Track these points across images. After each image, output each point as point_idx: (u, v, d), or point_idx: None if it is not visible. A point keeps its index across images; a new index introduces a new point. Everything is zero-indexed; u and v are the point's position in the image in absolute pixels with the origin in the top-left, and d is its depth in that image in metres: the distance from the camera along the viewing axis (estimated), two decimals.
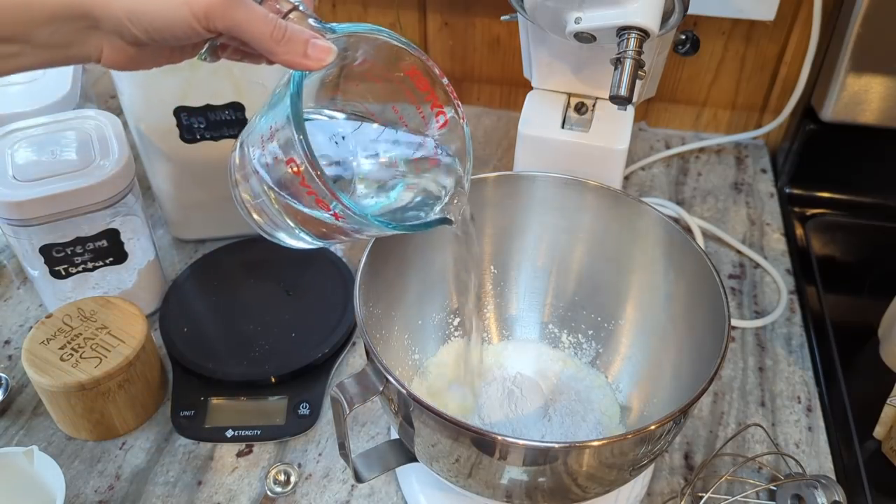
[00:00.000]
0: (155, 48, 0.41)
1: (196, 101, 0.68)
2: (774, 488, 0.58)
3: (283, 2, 0.42)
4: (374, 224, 0.43)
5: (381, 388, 0.46)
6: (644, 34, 0.53)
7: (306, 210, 0.43)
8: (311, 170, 0.40)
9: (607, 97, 0.55)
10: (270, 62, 0.42)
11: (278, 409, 0.63)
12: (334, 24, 0.42)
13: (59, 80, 0.73)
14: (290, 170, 0.41)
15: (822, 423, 0.65)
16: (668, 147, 0.93)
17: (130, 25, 0.38)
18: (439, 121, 0.48)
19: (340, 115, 0.50)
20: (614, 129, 0.66)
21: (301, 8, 0.42)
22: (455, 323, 0.64)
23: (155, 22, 0.38)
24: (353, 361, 0.68)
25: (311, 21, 0.42)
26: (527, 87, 0.69)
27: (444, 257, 0.61)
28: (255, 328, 0.67)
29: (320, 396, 0.64)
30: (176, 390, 0.64)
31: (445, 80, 0.47)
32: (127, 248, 0.66)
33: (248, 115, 0.70)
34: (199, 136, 0.70)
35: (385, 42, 0.44)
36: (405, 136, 0.50)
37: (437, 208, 0.49)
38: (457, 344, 0.63)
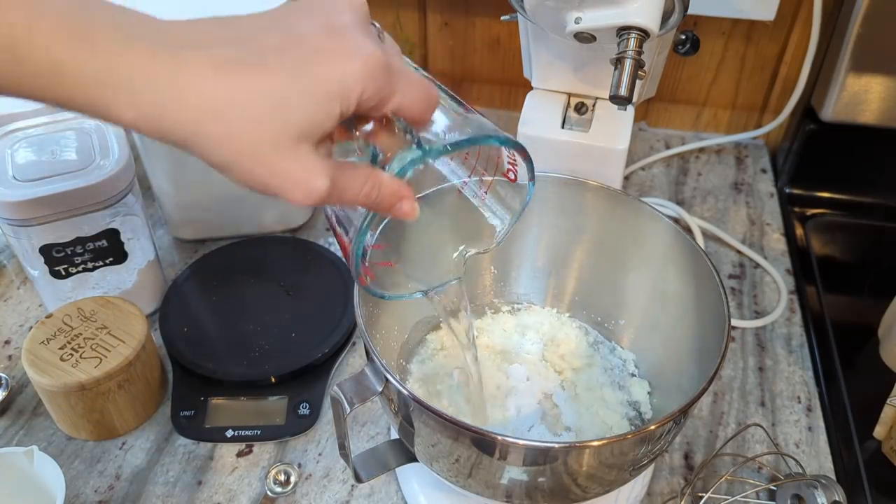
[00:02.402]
0: None
1: None
2: (774, 488, 0.58)
3: (399, 136, 0.39)
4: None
5: (380, 389, 0.46)
6: (644, 34, 0.53)
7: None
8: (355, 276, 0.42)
9: (607, 97, 0.55)
10: None
11: (278, 409, 0.63)
12: (440, 146, 0.39)
13: None
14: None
15: (822, 423, 0.65)
16: (668, 147, 0.93)
17: (219, 172, 0.36)
18: (509, 176, 0.46)
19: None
20: (614, 129, 0.66)
21: (415, 135, 0.39)
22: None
23: (249, 183, 0.35)
24: (353, 361, 0.68)
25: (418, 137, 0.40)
26: (527, 87, 0.69)
27: None
28: (255, 328, 0.67)
29: (320, 396, 0.64)
30: (176, 390, 0.64)
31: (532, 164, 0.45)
32: (127, 248, 0.66)
33: None
34: None
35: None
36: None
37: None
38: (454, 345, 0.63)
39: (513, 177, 0.46)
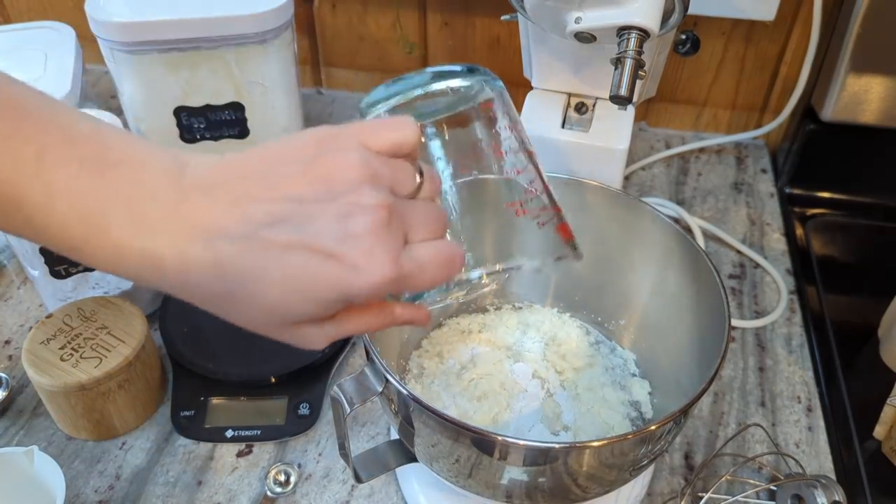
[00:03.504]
0: None
1: (196, 101, 0.68)
2: (774, 488, 0.58)
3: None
4: None
5: (380, 389, 0.46)
6: (644, 34, 0.53)
7: None
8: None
9: (607, 97, 0.55)
10: None
11: (278, 409, 0.63)
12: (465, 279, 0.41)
13: (60, 79, 0.73)
14: None
15: (822, 423, 0.65)
16: (668, 147, 0.93)
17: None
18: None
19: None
20: (614, 129, 0.66)
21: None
22: (453, 322, 0.64)
23: (260, 330, 0.36)
24: (353, 361, 0.68)
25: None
26: (527, 87, 0.69)
27: None
28: None
29: (320, 396, 0.64)
30: (176, 390, 0.64)
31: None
32: None
33: (248, 114, 0.70)
34: (199, 136, 0.70)
35: None
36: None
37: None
38: (455, 342, 0.63)
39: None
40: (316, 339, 0.36)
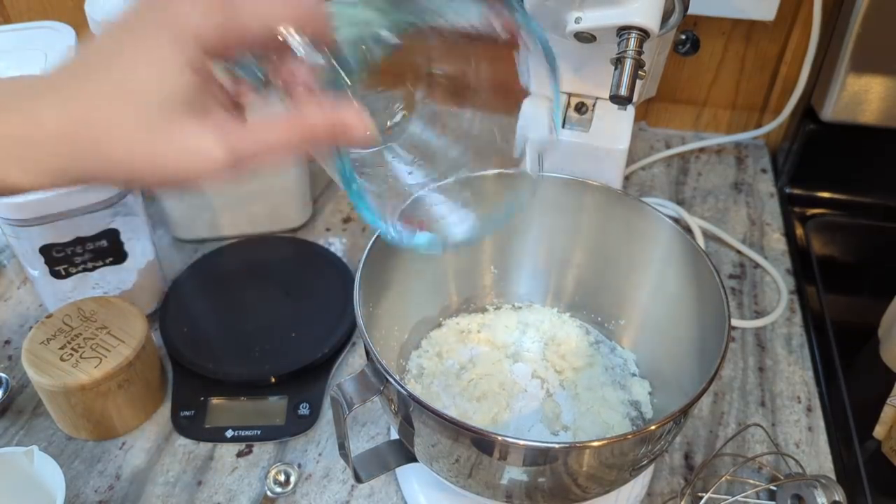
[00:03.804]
0: None
1: None
2: (774, 488, 0.58)
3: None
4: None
5: (380, 389, 0.46)
6: (644, 34, 0.53)
7: None
8: None
9: (607, 97, 0.55)
10: None
11: (278, 409, 0.63)
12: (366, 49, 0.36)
13: None
14: None
15: (822, 423, 0.65)
16: (668, 147, 0.93)
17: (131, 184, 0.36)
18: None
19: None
20: (614, 129, 0.66)
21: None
22: (453, 322, 0.64)
23: (152, 180, 0.34)
24: (353, 361, 0.68)
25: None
26: None
27: (443, 257, 0.61)
28: (255, 328, 0.67)
29: (320, 396, 0.64)
30: (176, 390, 0.64)
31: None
32: (127, 248, 0.66)
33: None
34: None
35: None
36: None
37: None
38: (454, 342, 0.63)
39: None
40: (208, 147, 0.33)
